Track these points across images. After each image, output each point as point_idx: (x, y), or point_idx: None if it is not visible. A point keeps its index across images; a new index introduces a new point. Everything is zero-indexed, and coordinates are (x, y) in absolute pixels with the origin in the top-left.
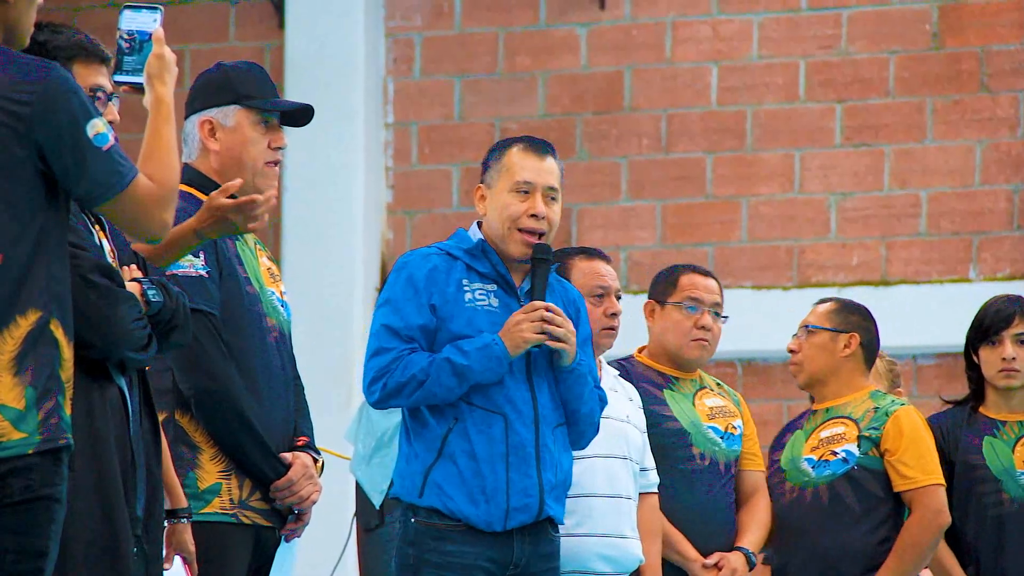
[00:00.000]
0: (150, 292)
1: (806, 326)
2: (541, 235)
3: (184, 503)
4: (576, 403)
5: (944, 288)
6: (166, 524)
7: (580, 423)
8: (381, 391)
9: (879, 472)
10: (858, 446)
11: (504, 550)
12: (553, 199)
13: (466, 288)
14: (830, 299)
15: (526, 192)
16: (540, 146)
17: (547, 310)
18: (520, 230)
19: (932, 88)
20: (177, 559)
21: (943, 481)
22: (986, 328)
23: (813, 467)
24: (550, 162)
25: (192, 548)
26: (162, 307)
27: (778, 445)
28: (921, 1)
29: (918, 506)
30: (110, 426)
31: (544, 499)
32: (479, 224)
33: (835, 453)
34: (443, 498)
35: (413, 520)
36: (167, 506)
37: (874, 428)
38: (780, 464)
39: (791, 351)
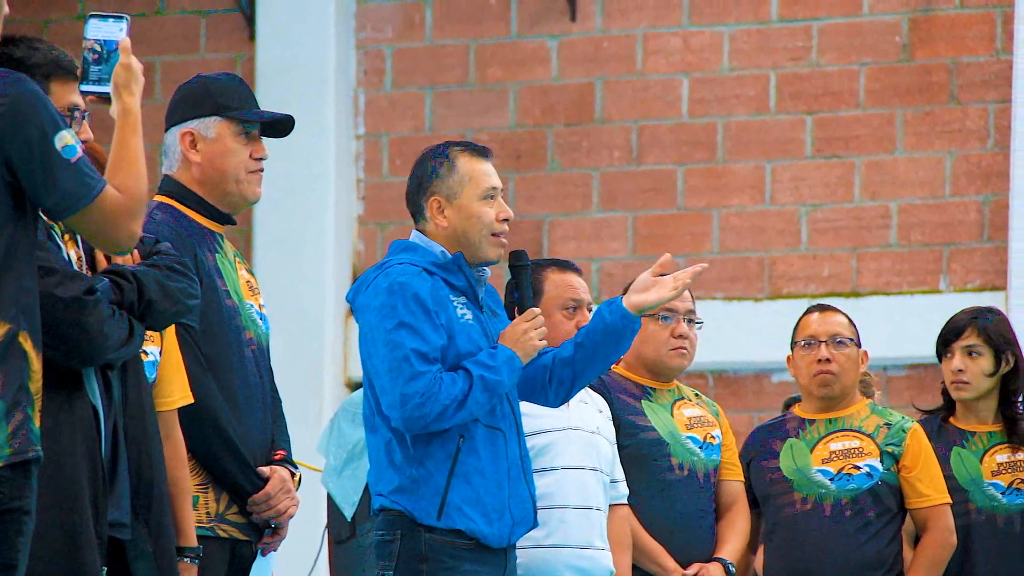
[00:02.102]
0: (96, 285)
1: (838, 338)
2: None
3: (193, 542)
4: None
5: (914, 299)
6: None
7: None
8: (428, 416)
9: (896, 487)
10: (881, 461)
11: (501, 566)
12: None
13: (455, 304)
14: (834, 308)
15: (492, 197)
16: (483, 149)
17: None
18: (493, 235)
19: (902, 100)
20: None
21: (951, 500)
22: (942, 339)
23: (832, 479)
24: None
25: None
26: (120, 292)
27: (768, 452)
28: (891, 13)
29: (933, 525)
30: (77, 443)
31: (536, 510)
32: (420, 233)
33: (857, 467)
34: (464, 520)
35: (427, 536)
36: (176, 542)
37: (894, 444)
38: (784, 474)
39: (826, 360)
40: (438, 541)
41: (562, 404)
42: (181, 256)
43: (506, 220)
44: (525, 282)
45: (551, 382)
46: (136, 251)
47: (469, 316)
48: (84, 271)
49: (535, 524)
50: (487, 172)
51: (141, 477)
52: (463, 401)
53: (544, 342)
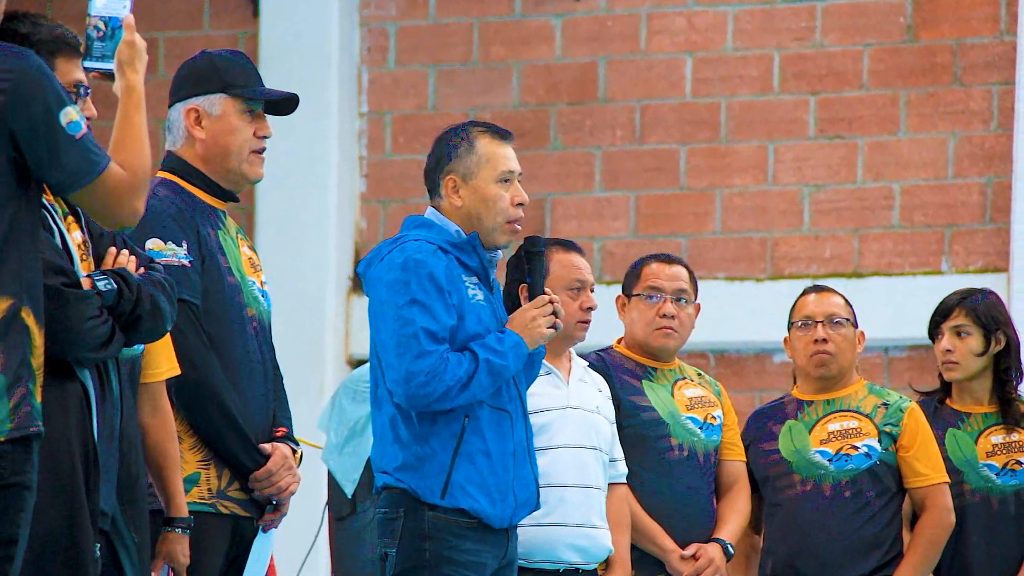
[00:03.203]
0: (99, 283)
1: (835, 318)
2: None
3: (184, 512)
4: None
5: (916, 280)
6: (164, 531)
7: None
8: (432, 395)
9: (894, 467)
10: (879, 441)
11: (503, 546)
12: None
13: (467, 284)
14: (831, 289)
15: (508, 181)
16: (504, 133)
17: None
18: (507, 220)
19: (906, 81)
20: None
21: (949, 479)
22: (932, 321)
23: (831, 460)
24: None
25: (183, 560)
26: (119, 298)
27: (767, 435)
28: None
29: (932, 504)
30: (70, 424)
31: (539, 492)
32: (435, 210)
33: (855, 448)
34: (468, 499)
35: (430, 514)
36: (167, 513)
37: (892, 424)
38: (782, 455)
39: (823, 340)
40: (441, 520)
41: None
42: (171, 278)
43: (521, 205)
44: (538, 269)
45: None
46: (135, 257)
47: (480, 297)
48: (87, 257)
49: (538, 506)
50: (506, 155)
51: (129, 472)
52: (467, 383)
53: (552, 330)
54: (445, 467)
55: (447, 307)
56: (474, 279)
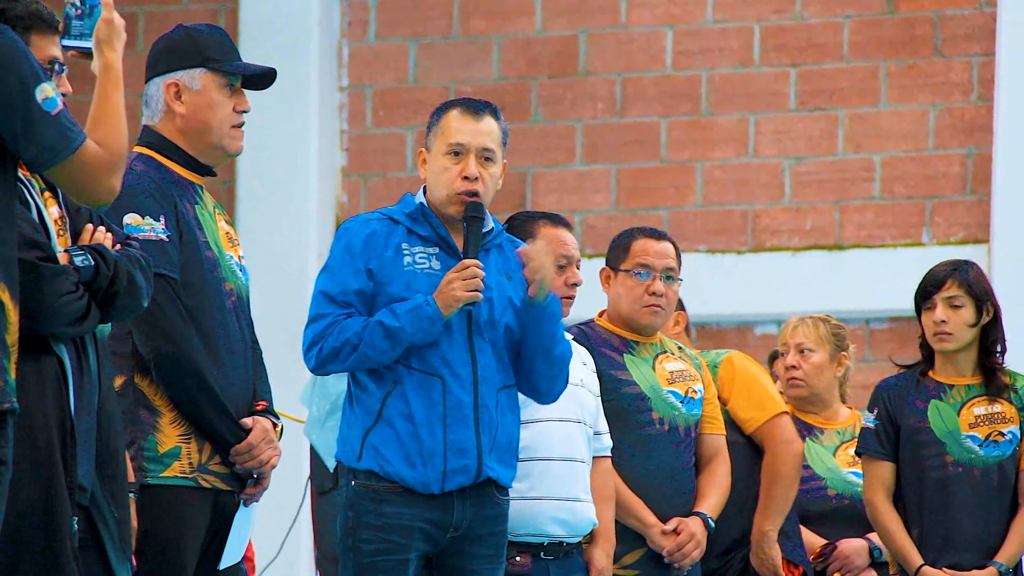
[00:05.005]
0: (77, 259)
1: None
2: (474, 195)
3: (132, 478)
4: (550, 343)
5: (897, 252)
6: None
7: (555, 365)
8: (317, 357)
9: (729, 421)
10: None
11: (444, 512)
12: (488, 159)
13: (405, 252)
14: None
15: (459, 154)
16: (477, 107)
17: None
18: (457, 192)
19: (886, 52)
20: None
21: (785, 409)
22: (922, 292)
23: None
24: (487, 123)
25: (134, 524)
26: (95, 274)
27: None
28: None
29: (768, 441)
30: (46, 398)
31: (483, 460)
32: (424, 188)
33: None
34: (380, 461)
35: (353, 483)
36: None
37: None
38: None
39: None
40: (362, 486)
41: (547, 400)
42: (149, 253)
43: (466, 178)
44: (471, 234)
45: (523, 377)
46: (111, 235)
47: (431, 265)
48: (64, 232)
49: (481, 476)
50: (459, 128)
51: (108, 447)
52: (357, 345)
53: (472, 294)
54: (364, 430)
55: (356, 272)
56: (433, 249)
